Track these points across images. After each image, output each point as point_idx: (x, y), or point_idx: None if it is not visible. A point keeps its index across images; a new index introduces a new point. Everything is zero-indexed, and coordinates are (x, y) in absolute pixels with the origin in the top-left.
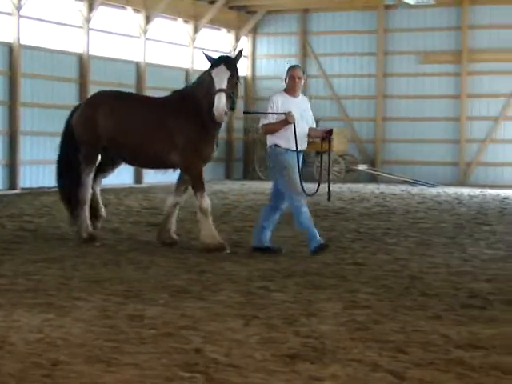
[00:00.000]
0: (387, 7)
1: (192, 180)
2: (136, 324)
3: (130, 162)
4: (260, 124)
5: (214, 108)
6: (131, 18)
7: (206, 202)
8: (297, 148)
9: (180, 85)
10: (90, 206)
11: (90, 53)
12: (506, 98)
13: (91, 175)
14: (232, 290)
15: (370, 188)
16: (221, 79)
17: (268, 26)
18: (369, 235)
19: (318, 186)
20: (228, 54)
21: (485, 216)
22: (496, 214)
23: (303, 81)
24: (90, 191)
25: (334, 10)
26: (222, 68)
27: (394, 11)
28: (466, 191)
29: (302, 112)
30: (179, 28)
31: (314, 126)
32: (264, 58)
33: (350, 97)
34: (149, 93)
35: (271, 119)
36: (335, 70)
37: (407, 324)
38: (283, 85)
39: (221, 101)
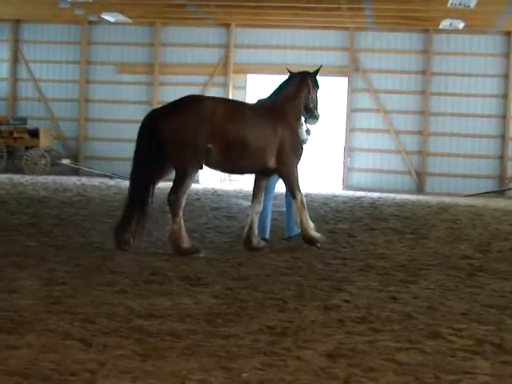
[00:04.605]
0: (90, 23)
1: (290, 183)
2: None
3: (225, 167)
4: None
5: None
6: None
7: (303, 199)
8: None
9: None
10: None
11: None
12: None
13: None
14: None
15: (73, 180)
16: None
17: None
18: (69, 221)
19: None
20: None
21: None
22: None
23: None
24: None
25: (43, 22)
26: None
27: (97, 26)
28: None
29: None
30: None
31: None
32: None
33: (56, 99)
34: None
35: None
36: (43, 75)
37: (97, 298)
38: None
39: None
